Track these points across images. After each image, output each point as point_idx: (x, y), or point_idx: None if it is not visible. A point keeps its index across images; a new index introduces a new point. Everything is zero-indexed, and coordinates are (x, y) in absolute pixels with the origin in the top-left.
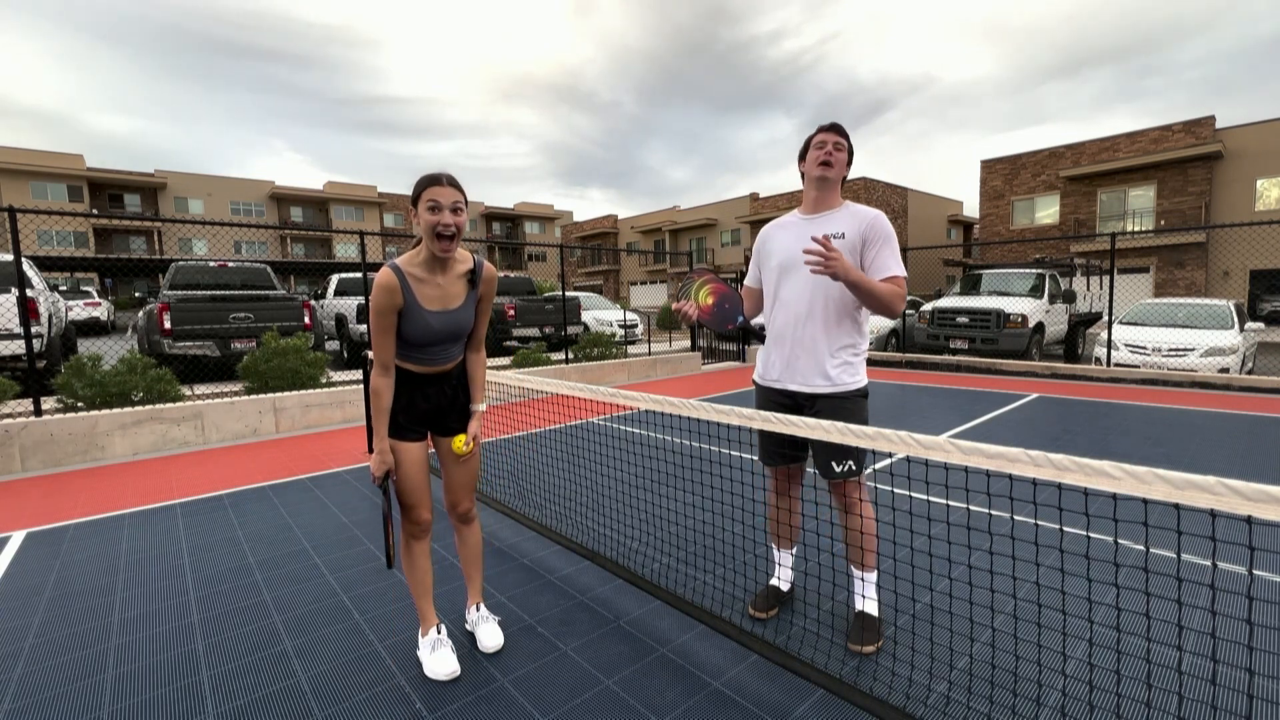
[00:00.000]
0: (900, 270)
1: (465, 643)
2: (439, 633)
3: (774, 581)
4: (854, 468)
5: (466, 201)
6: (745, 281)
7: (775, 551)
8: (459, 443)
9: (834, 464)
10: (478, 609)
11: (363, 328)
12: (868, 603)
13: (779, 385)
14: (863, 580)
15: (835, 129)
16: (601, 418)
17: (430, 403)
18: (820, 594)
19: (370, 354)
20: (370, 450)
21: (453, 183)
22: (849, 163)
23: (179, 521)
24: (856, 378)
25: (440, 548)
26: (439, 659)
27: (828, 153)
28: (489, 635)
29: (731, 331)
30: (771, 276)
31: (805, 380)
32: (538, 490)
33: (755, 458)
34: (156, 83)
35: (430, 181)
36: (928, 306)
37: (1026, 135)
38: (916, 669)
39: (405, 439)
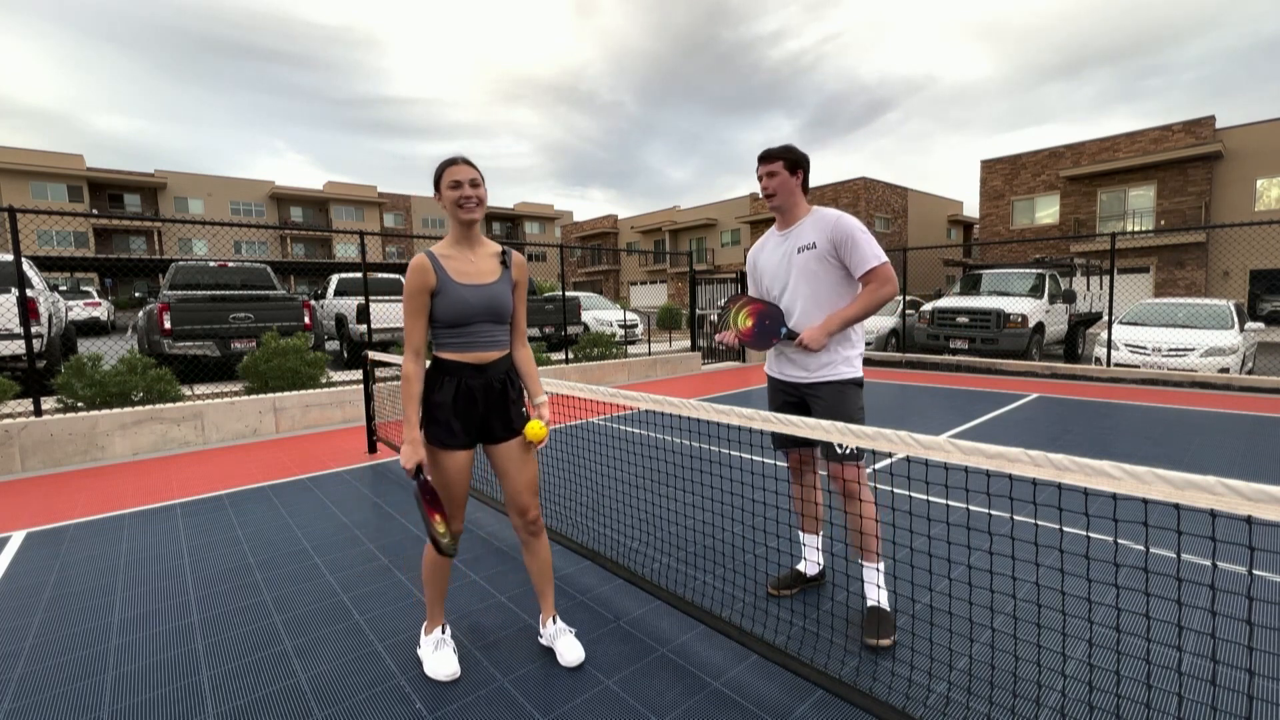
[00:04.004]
0: (874, 260)
1: (465, 643)
2: (443, 633)
3: (799, 566)
4: (857, 449)
5: (483, 178)
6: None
7: (801, 535)
8: (535, 429)
9: (836, 444)
10: (554, 621)
11: (363, 328)
12: (881, 594)
13: (780, 375)
14: (873, 570)
15: (761, 159)
16: (601, 418)
17: (476, 398)
18: (820, 593)
19: (371, 354)
20: (372, 450)
21: (467, 161)
22: (795, 170)
23: (179, 521)
24: (847, 370)
25: None
26: (440, 659)
27: (763, 186)
28: (568, 648)
29: (777, 345)
30: (766, 292)
31: (800, 372)
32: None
33: (755, 457)
34: (157, 83)
35: (448, 163)
36: (928, 306)
37: (1026, 135)
38: (916, 669)
39: (451, 447)
